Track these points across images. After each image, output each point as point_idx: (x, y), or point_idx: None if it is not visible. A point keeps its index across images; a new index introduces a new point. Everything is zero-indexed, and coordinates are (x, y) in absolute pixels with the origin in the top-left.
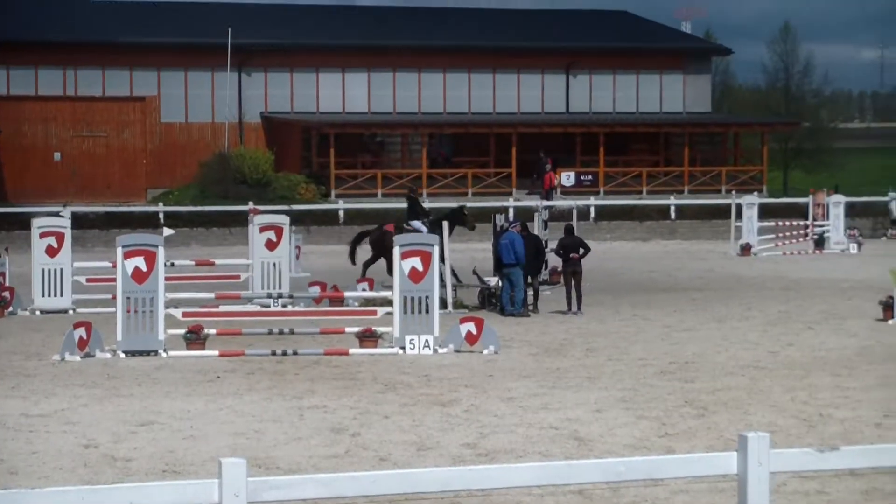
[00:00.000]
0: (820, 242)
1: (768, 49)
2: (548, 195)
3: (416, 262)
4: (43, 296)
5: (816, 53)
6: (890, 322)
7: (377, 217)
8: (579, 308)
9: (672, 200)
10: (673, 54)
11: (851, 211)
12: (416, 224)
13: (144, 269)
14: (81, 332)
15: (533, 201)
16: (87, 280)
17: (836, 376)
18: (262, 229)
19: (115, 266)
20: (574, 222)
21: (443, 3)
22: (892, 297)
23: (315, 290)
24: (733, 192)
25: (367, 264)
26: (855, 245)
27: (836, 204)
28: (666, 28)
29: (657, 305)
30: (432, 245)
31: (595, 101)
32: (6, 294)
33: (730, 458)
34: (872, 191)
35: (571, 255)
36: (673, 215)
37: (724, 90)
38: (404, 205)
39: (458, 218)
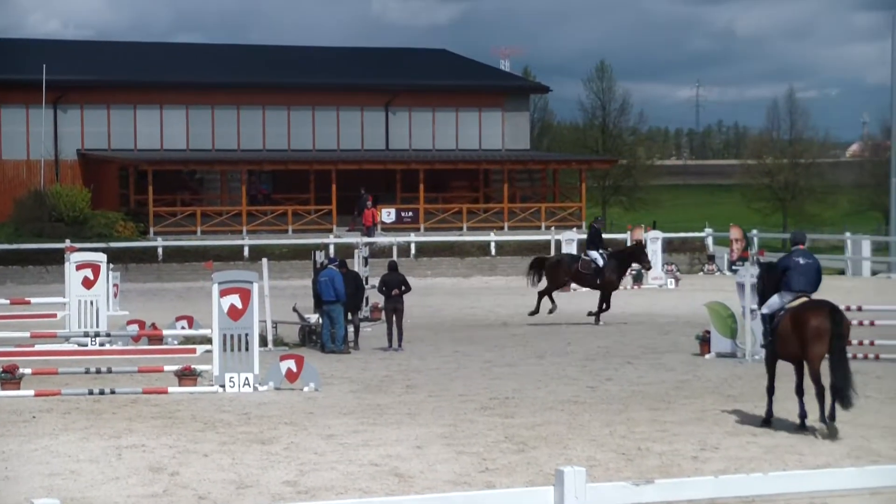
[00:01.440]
0: (638, 278)
1: (585, 87)
2: (369, 232)
3: (235, 299)
4: None
5: (633, 92)
6: (706, 356)
7: (197, 254)
8: (400, 344)
9: (492, 237)
10: (492, 92)
11: (669, 246)
12: (594, 254)
13: None
14: None
15: (353, 238)
16: None
17: (654, 410)
18: (79, 267)
19: None
20: (395, 258)
21: (260, 41)
22: (708, 332)
23: (133, 329)
24: (552, 229)
25: (542, 294)
26: (672, 280)
27: (654, 240)
28: (485, 66)
29: (478, 341)
30: (251, 282)
31: (415, 139)
32: None
33: (547, 492)
34: (689, 227)
35: (393, 291)
36: (493, 251)
37: (542, 127)
38: (231, 241)
39: (638, 256)
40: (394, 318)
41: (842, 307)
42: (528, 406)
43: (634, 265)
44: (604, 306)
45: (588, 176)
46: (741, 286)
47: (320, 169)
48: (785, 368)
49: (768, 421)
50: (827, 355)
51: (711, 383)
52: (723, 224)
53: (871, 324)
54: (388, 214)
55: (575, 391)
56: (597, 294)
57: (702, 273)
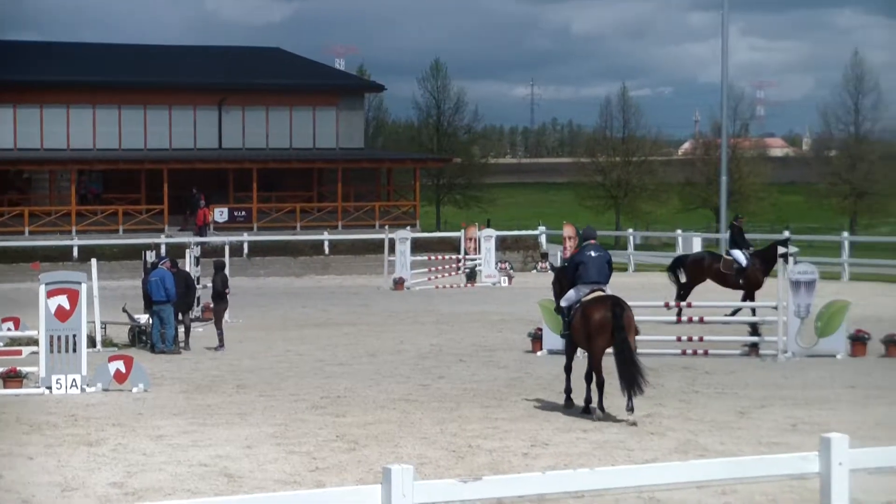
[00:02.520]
0: (472, 276)
1: (420, 86)
2: (201, 231)
3: (62, 300)
4: None
5: (469, 90)
6: (538, 354)
7: (24, 255)
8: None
9: (326, 236)
10: (326, 91)
11: (503, 245)
12: (736, 254)
13: None
14: None
15: (185, 238)
16: None
17: (486, 408)
18: None
19: None
20: (227, 258)
21: (92, 38)
22: (540, 330)
23: None
24: (386, 227)
25: (682, 291)
26: (505, 278)
27: (488, 238)
28: (319, 65)
29: (310, 340)
30: (79, 283)
31: (248, 138)
32: None
33: (374, 491)
34: (523, 225)
35: (226, 291)
36: (327, 250)
37: (377, 126)
38: (60, 241)
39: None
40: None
41: (672, 304)
42: (360, 405)
43: None
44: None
45: (422, 174)
46: None
47: (152, 168)
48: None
49: (570, 400)
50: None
51: (543, 380)
52: (556, 222)
53: (701, 320)
54: (220, 214)
55: (407, 389)
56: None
57: (535, 271)
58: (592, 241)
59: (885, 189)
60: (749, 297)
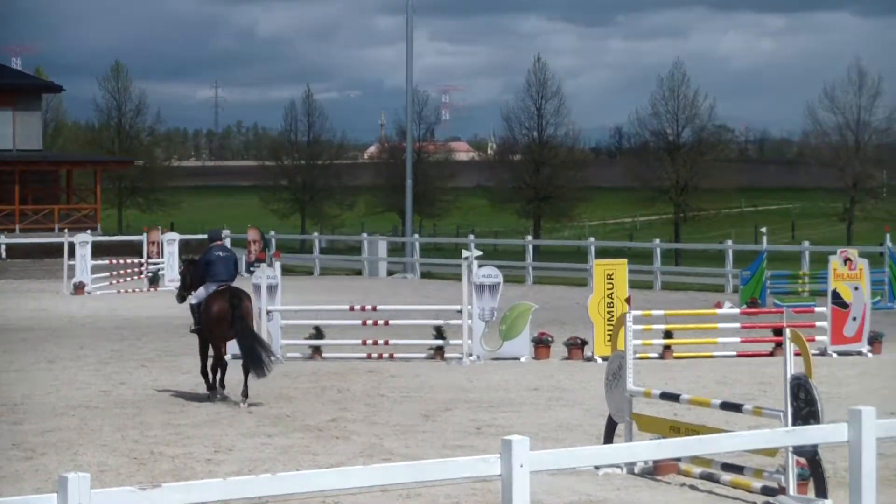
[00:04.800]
0: (154, 280)
1: (100, 87)
2: None
3: None
4: None
5: (152, 92)
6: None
7: None
8: None
9: (3, 239)
10: (1, 91)
11: (186, 248)
12: None
13: None
14: None
15: None
16: None
17: (169, 413)
18: None
19: None
20: None
21: None
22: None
23: None
24: (66, 231)
25: None
26: None
27: (171, 241)
28: None
29: None
30: None
31: None
32: None
33: (49, 500)
34: (209, 228)
35: None
36: (3, 254)
37: (56, 128)
38: None
39: None
40: None
41: (357, 307)
42: (38, 412)
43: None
44: None
45: (104, 177)
46: (257, 288)
47: None
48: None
49: (213, 388)
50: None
51: (229, 385)
52: (241, 225)
53: (386, 323)
54: None
55: (87, 396)
56: None
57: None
58: (219, 243)
59: (568, 193)
60: None
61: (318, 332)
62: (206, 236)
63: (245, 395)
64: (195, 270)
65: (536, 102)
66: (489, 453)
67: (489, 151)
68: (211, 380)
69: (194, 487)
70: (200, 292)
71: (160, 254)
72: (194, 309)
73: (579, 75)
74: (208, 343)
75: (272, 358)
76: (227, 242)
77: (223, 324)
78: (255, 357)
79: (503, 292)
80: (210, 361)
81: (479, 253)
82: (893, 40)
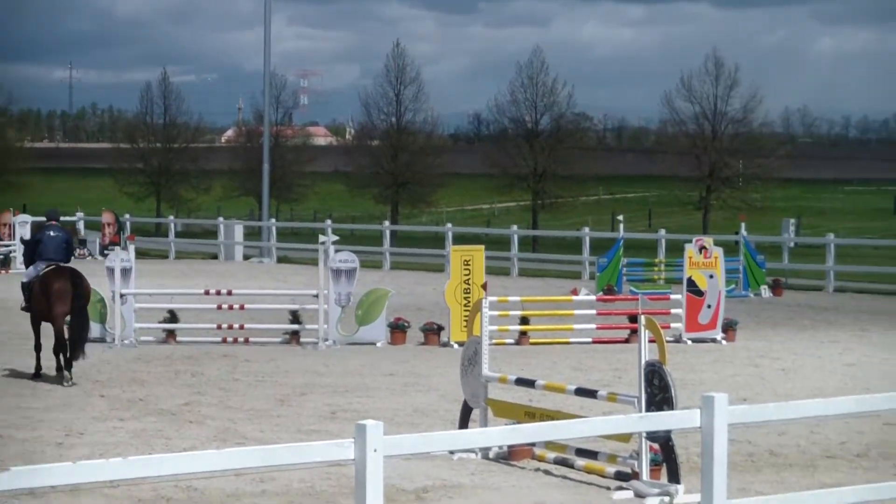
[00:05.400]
0: (5, 263)
1: None
2: None
3: None
4: None
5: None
6: None
7: None
8: None
9: None
10: None
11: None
12: None
13: None
14: None
15: None
16: None
17: (19, 397)
18: None
19: None
20: None
21: None
22: None
23: None
24: None
25: None
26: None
27: (23, 224)
28: None
29: None
30: None
31: None
32: None
33: None
34: (63, 211)
35: None
36: None
37: None
38: None
39: None
40: None
41: (212, 291)
42: None
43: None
44: None
45: None
46: (111, 271)
47: None
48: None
49: (38, 374)
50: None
51: (79, 368)
52: (95, 208)
53: (242, 307)
54: None
55: None
56: None
57: (73, 258)
58: (54, 223)
59: (426, 179)
60: None
61: (173, 316)
62: (65, 219)
63: (68, 367)
64: (25, 249)
65: (395, 88)
66: (343, 438)
67: (347, 137)
68: (56, 364)
69: (43, 471)
70: (30, 271)
71: (11, 236)
72: (24, 287)
73: (439, 61)
74: (41, 321)
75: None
76: (81, 225)
77: (63, 301)
78: (82, 338)
79: (360, 277)
80: (38, 342)
81: (336, 238)
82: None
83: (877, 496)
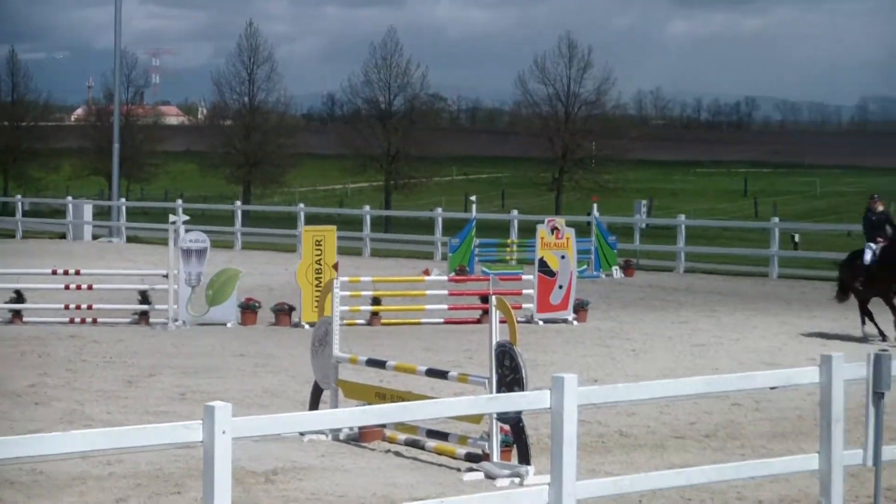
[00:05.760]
0: None
1: None
2: None
3: None
4: None
5: None
6: None
7: None
8: None
9: None
10: None
11: None
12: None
13: None
14: None
15: None
16: None
17: None
18: None
19: None
20: None
21: None
22: None
23: None
24: None
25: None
26: None
27: None
28: None
29: None
30: None
31: None
32: None
33: None
34: None
35: None
36: None
37: None
38: None
39: None
40: None
41: (60, 271)
42: None
43: None
44: None
45: None
46: None
47: None
48: None
49: None
50: None
51: None
52: None
53: (90, 287)
54: None
55: None
56: None
57: None
58: None
59: (278, 159)
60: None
61: (19, 296)
62: None
63: None
64: None
65: (248, 68)
66: (192, 420)
67: (199, 116)
68: None
69: None
70: None
71: None
72: None
73: (293, 41)
74: None
75: None
76: None
77: None
78: None
79: (210, 257)
80: None
81: (187, 217)
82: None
83: (724, 476)
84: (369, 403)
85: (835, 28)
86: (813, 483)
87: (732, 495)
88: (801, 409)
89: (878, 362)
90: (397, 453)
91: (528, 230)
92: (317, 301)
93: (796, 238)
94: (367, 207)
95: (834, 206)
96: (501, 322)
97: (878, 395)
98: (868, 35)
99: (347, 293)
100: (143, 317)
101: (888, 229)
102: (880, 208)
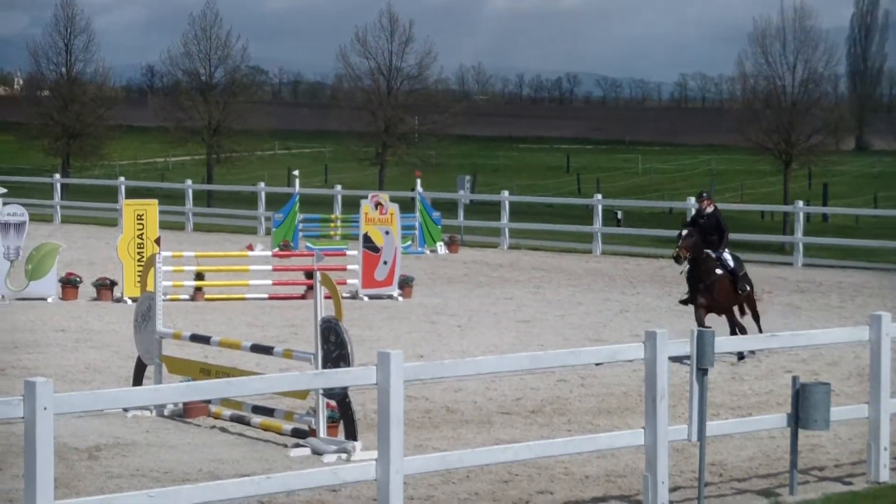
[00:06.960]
0: None
1: None
2: None
3: None
4: None
5: None
6: None
7: None
8: None
9: None
10: None
11: None
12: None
13: None
14: None
15: None
16: None
17: None
18: None
19: None
20: None
21: None
22: None
23: None
24: None
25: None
26: None
27: None
28: None
29: None
30: None
31: None
32: None
33: None
34: None
35: None
36: None
37: None
38: None
39: None
40: None
41: None
42: None
43: None
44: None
45: None
46: None
47: None
48: None
49: None
50: None
51: None
52: None
53: None
54: None
55: None
56: None
57: None
58: None
59: (98, 132)
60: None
61: None
62: None
63: None
64: None
65: (65, 38)
66: (13, 396)
67: (16, 87)
68: None
69: None
70: None
71: None
72: None
73: (111, 11)
74: None
75: None
76: None
77: None
78: None
79: (29, 231)
80: None
81: (4, 191)
82: None
83: (551, 452)
84: (194, 379)
85: (654, 5)
86: (639, 458)
87: (559, 470)
88: (627, 385)
89: (702, 339)
90: (223, 429)
91: (351, 205)
92: (139, 276)
93: (619, 215)
94: (189, 181)
95: (655, 183)
96: (326, 298)
97: (702, 371)
98: (688, 12)
99: (170, 268)
100: None
101: (714, 238)
102: (710, 209)
